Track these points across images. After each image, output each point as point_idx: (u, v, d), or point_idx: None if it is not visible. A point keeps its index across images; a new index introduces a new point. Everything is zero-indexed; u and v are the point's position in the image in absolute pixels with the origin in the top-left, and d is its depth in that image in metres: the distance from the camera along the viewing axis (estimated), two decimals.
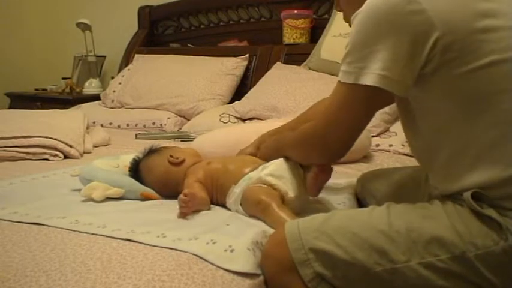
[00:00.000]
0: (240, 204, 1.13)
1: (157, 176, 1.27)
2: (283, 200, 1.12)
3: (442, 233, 0.84)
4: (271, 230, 1.01)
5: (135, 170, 1.32)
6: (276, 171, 1.15)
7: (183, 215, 1.09)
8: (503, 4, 0.87)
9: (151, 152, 1.34)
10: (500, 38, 0.84)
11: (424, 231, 0.85)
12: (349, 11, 0.99)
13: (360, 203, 1.32)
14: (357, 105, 0.93)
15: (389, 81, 0.85)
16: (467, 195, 0.84)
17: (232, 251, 0.91)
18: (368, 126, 1.39)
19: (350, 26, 0.95)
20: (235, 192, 1.15)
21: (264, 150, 1.26)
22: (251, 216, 1.11)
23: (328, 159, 1.08)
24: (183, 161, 1.28)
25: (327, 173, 1.15)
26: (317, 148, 1.02)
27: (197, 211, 1.12)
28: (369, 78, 0.86)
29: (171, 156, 1.29)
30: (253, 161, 1.24)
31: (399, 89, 0.87)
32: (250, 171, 1.18)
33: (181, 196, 1.09)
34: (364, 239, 0.87)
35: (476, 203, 0.83)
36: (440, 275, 0.83)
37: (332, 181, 1.34)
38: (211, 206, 1.19)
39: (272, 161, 1.18)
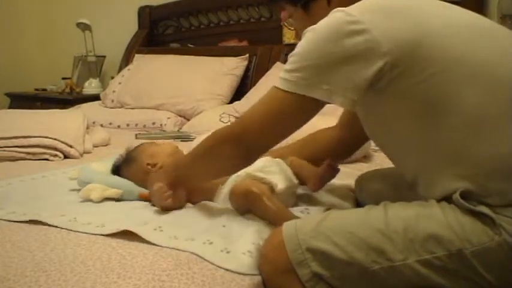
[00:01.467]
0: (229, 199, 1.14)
1: (140, 184, 1.25)
2: (272, 191, 1.14)
3: (438, 230, 0.85)
4: (268, 232, 1.00)
5: (118, 175, 1.31)
6: (264, 167, 1.18)
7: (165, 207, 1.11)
8: (447, 15, 0.93)
9: (128, 160, 1.32)
10: (449, 44, 0.87)
11: (421, 229, 0.86)
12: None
13: (358, 202, 1.32)
14: (293, 114, 0.94)
15: (329, 94, 0.88)
16: (455, 196, 0.85)
17: (228, 252, 0.91)
18: None
19: None
20: (224, 192, 1.16)
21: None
22: (241, 211, 1.11)
23: (244, 165, 1.04)
24: (161, 167, 1.25)
25: (335, 171, 1.18)
26: (237, 155, 0.98)
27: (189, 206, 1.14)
28: (311, 90, 0.89)
29: (148, 164, 1.27)
30: None
31: (340, 102, 0.89)
32: None
33: (154, 188, 1.11)
34: (362, 238, 0.87)
35: (467, 201, 0.84)
36: (437, 272, 0.84)
37: (332, 181, 1.35)
38: (208, 202, 1.19)
39: (259, 159, 1.19)
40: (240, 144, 0.96)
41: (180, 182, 1.12)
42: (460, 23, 0.92)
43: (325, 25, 0.90)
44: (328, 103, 0.91)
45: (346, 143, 1.31)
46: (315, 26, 0.92)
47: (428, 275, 0.84)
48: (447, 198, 0.88)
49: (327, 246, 0.88)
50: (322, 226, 0.91)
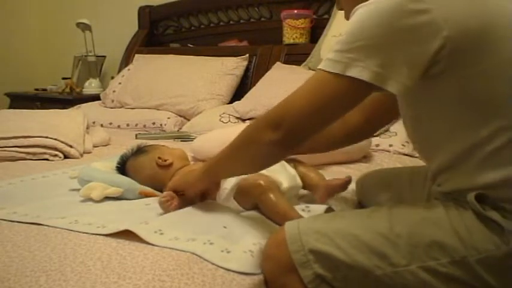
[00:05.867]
0: (234, 198, 1.14)
1: (143, 178, 1.27)
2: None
3: (443, 237, 0.83)
4: (270, 232, 1.01)
5: (123, 169, 1.32)
6: None
7: (167, 212, 1.10)
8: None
9: (139, 151, 1.34)
10: (509, 42, 0.82)
11: (425, 235, 0.84)
12: (349, 10, 0.94)
13: (360, 203, 1.32)
14: (341, 98, 0.85)
15: (383, 78, 0.81)
16: (470, 196, 0.83)
17: (228, 252, 0.91)
18: None
19: None
20: (226, 189, 1.16)
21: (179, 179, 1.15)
22: (245, 207, 1.11)
23: (282, 154, 0.95)
24: (170, 164, 1.28)
25: (346, 184, 1.17)
26: (275, 141, 0.88)
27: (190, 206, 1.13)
28: (363, 73, 0.81)
29: (159, 158, 1.28)
30: None
31: (394, 87, 0.81)
32: None
33: (161, 199, 1.10)
34: (365, 241, 0.86)
35: (479, 205, 0.82)
36: (441, 279, 0.83)
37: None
38: (210, 202, 1.19)
39: None
40: (279, 129, 0.87)
41: (213, 176, 1.08)
42: None
43: (384, 2, 0.81)
44: (380, 88, 0.82)
45: (366, 127, 1.21)
46: (367, 3, 0.83)
47: (431, 281, 0.83)
48: (456, 196, 0.87)
49: (330, 248, 0.87)
50: (325, 228, 0.90)
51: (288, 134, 0.87)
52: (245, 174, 1.09)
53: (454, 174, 0.89)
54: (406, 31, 0.80)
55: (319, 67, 0.86)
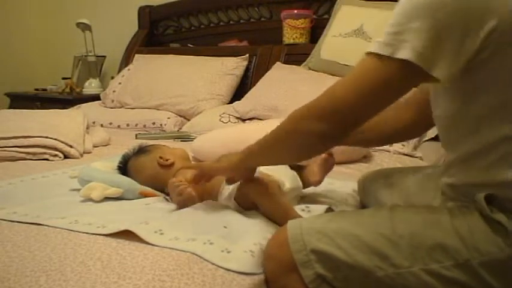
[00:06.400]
0: (234, 199, 1.14)
1: (145, 177, 1.27)
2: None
3: (445, 239, 0.82)
4: (270, 232, 1.00)
5: (124, 169, 1.33)
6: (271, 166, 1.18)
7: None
8: None
9: (141, 151, 1.34)
10: None
11: (428, 237, 0.84)
12: None
13: (362, 203, 1.32)
14: (394, 82, 0.82)
15: (431, 62, 0.78)
16: (480, 197, 0.82)
17: (228, 252, 0.91)
18: None
19: None
20: (228, 188, 1.16)
21: (225, 162, 1.09)
22: (246, 207, 1.11)
23: (332, 142, 0.92)
24: (172, 164, 1.28)
25: (332, 159, 1.18)
26: (326, 131, 0.85)
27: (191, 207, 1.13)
28: (411, 55, 0.78)
29: (161, 157, 1.28)
30: None
31: (439, 73, 0.79)
32: None
33: (175, 183, 1.11)
34: (366, 242, 0.86)
35: (487, 206, 0.81)
36: (443, 282, 0.82)
37: (332, 181, 1.34)
38: (210, 202, 1.19)
39: None
40: (325, 119, 0.84)
41: (250, 165, 1.05)
42: None
43: None
44: (427, 75, 0.79)
45: (418, 125, 1.17)
46: None
47: (434, 284, 0.82)
48: (464, 193, 0.86)
49: (331, 249, 0.87)
50: (327, 228, 0.90)
51: (335, 124, 0.85)
52: (286, 164, 1.07)
53: (470, 166, 0.87)
54: (457, 15, 0.77)
55: (368, 50, 0.83)
